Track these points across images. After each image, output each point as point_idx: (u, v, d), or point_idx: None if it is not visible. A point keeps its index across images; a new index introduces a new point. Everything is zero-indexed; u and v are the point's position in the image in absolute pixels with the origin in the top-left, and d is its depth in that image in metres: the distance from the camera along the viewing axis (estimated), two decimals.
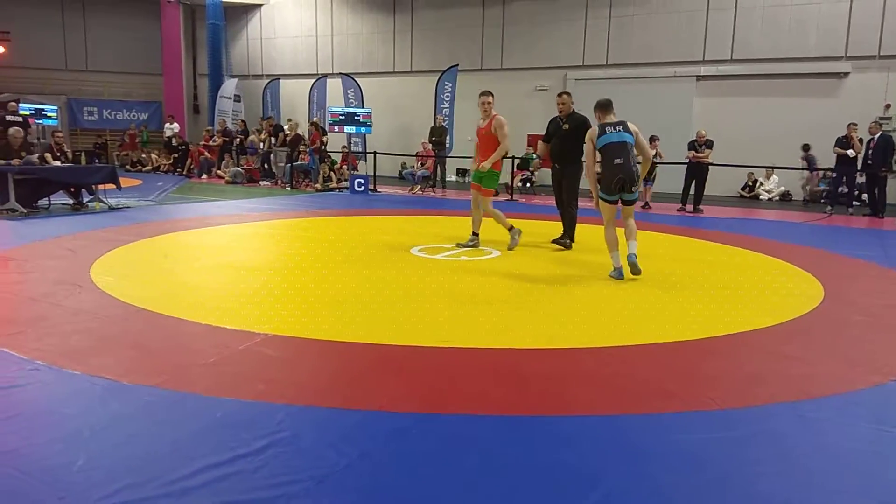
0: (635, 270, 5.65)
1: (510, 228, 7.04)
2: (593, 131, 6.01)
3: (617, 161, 5.76)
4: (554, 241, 7.41)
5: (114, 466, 2.31)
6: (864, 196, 13.38)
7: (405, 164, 18.57)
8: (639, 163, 6.09)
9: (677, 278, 5.86)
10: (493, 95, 6.98)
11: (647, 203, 12.84)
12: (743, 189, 15.98)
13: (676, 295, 5.20)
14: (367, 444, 2.52)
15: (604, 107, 6.08)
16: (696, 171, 12.23)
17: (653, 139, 12.79)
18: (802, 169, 14.54)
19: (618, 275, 5.73)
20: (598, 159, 5.98)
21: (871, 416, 2.90)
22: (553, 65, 17.82)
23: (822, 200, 14.15)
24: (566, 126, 7.31)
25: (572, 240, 7.42)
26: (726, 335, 4.13)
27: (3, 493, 2.13)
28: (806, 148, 14.29)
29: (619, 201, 5.89)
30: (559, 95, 7.50)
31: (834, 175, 12.80)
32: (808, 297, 5.20)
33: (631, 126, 5.96)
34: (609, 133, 5.86)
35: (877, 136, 11.97)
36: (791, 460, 2.50)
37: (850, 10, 14.56)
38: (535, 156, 8.47)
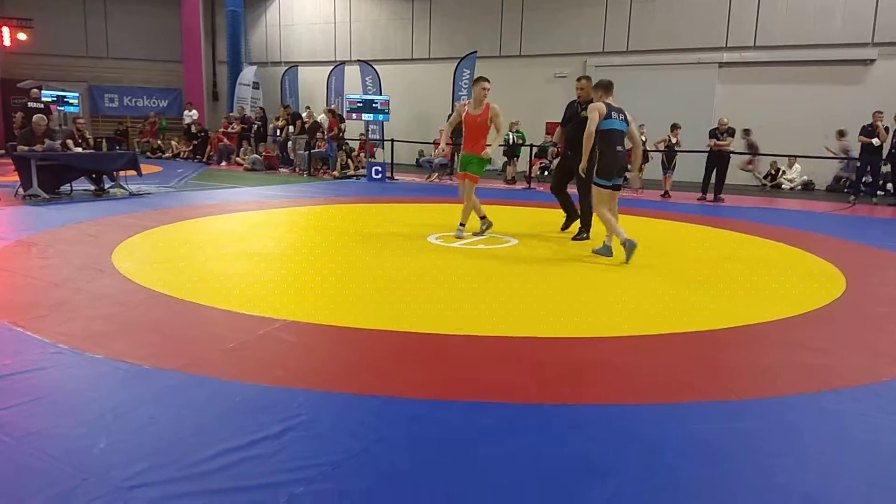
0: (631, 255, 5.77)
1: (482, 217, 7.05)
2: (601, 106, 6.00)
3: (619, 149, 5.95)
4: (574, 239, 7.14)
5: (135, 449, 2.34)
6: (889, 185, 13.17)
7: (423, 151, 18.56)
8: (629, 149, 6.31)
9: (697, 268, 5.81)
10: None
11: (666, 192, 12.73)
12: (765, 178, 15.78)
13: (695, 285, 5.16)
14: (383, 430, 2.54)
15: (606, 87, 6.15)
16: (718, 160, 12.10)
17: (674, 127, 12.67)
18: (743, 153, 14.32)
19: (607, 252, 5.88)
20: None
21: (891, 408, 2.87)
22: (573, 51, 17.66)
23: (846, 190, 13.94)
24: (584, 113, 6.78)
25: (588, 229, 7.27)
26: (745, 326, 4.09)
27: (26, 474, 2.17)
28: (842, 134, 13.95)
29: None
30: (578, 80, 7.35)
31: (858, 164, 12.59)
32: (830, 287, 5.14)
33: (628, 115, 6.12)
34: (614, 119, 5.98)
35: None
36: (809, 452, 2.48)
37: None
38: (552, 143, 8.43)
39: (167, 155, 19.99)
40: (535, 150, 14.50)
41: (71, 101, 15.44)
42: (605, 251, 6.00)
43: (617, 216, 6.16)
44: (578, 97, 7.28)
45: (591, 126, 6.02)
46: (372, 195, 11.39)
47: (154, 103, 23.39)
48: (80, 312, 3.95)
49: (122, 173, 10.14)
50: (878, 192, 13.01)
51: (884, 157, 12.09)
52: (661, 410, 2.82)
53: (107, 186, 10.11)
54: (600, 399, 2.95)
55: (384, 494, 2.12)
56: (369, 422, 2.61)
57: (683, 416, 2.75)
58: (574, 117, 7.24)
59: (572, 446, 2.47)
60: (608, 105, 6.01)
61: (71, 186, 9.84)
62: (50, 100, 14.88)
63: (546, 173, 15.35)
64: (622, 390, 3.07)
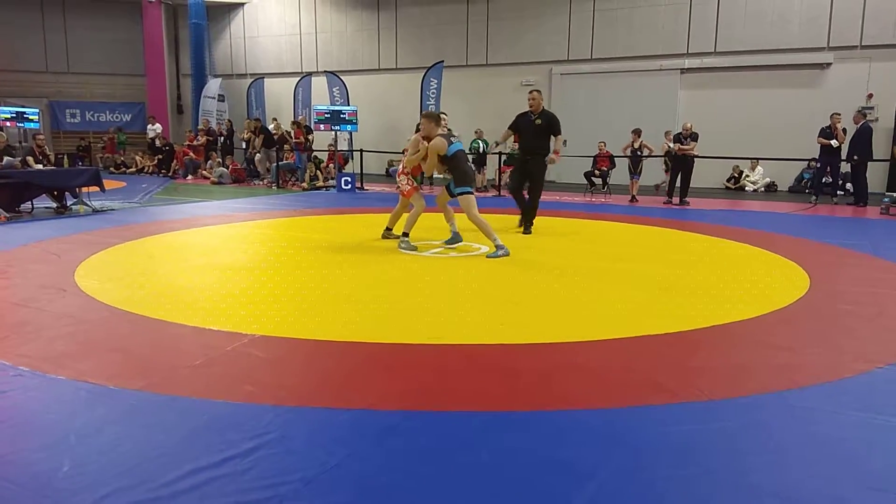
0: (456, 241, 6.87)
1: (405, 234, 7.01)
2: (441, 142, 6.66)
3: (469, 164, 7.05)
4: (525, 232, 8.04)
5: (100, 471, 2.28)
6: (849, 185, 13.50)
7: (392, 161, 18.53)
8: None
9: (665, 271, 5.88)
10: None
11: (633, 196, 12.89)
12: (728, 181, 16.08)
13: (664, 287, 5.21)
14: (356, 444, 2.51)
15: (437, 118, 6.91)
16: (682, 164, 12.28)
17: (636, 132, 12.90)
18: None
19: (505, 252, 6.41)
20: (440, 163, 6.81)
21: (857, 405, 2.92)
22: (538, 59, 17.83)
23: (808, 191, 14.26)
24: (539, 121, 8.05)
25: (531, 225, 8.13)
26: (713, 326, 4.14)
27: None
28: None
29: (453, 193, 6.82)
30: (530, 92, 8.23)
31: (818, 165, 12.89)
32: (795, 286, 5.23)
33: (453, 131, 7.04)
34: (455, 143, 6.78)
35: (859, 126, 12.08)
36: (780, 450, 2.51)
37: (831, 1, 14.66)
38: (495, 141, 9.27)
39: (131, 170, 19.66)
40: (503, 157, 14.56)
41: (31, 117, 15.12)
42: (503, 252, 6.40)
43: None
44: (531, 107, 8.17)
45: (426, 156, 6.77)
46: (341, 206, 11.33)
47: (117, 118, 23.01)
48: (42, 333, 3.85)
49: (84, 190, 9.93)
50: (838, 192, 13.33)
51: (843, 157, 12.40)
52: (635, 413, 2.83)
53: (69, 203, 9.89)
54: (575, 404, 2.95)
55: None
56: (342, 436, 2.57)
57: (657, 418, 2.77)
58: (528, 127, 8.15)
59: (548, 452, 2.46)
60: (443, 135, 6.73)
61: (32, 204, 9.61)
62: (9, 116, 14.56)
63: None
64: (596, 394, 3.08)
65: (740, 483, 2.26)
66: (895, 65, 14.21)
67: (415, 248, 6.75)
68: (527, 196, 8.29)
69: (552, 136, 8.15)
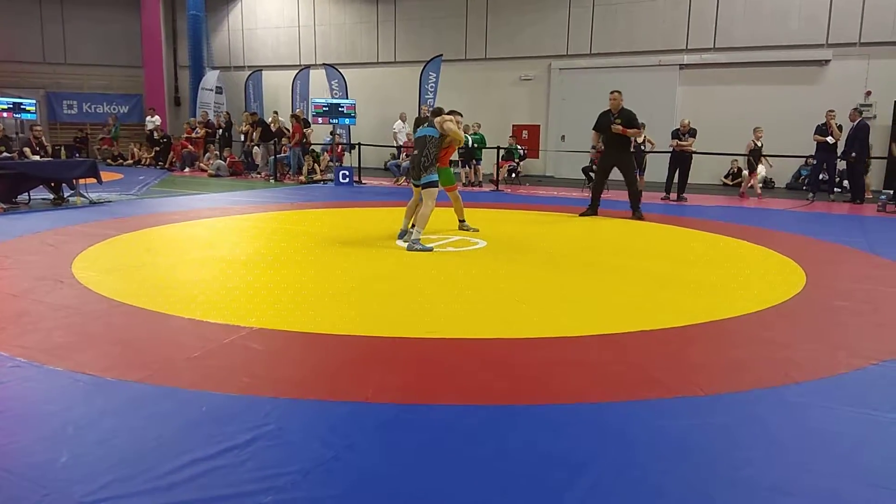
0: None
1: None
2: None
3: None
4: (634, 218, 9.07)
5: (98, 462, 2.28)
6: (846, 182, 13.50)
7: (394, 154, 18.49)
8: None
9: (661, 266, 5.89)
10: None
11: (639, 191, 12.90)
12: (726, 177, 16.07)
13: (660, 282, 5.23)
14: (353, 436, 2.52)
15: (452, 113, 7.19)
16: (680, 160, 12.28)
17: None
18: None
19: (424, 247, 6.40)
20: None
21: (853, 400, 2.94)
22: (537, 54, 17.78)
23: (805, 188, 14.27)
24: (619, 120, 8.92)
25: (639, 210, 9.16)
26: (710, 322, 4.16)
27: None
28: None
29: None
30: (612, 93, 9.09)
31: (815, 162, 12.90)
32: (791, 282, 5.25)
33: (437, 121, 6.94)
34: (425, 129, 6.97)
35: (856, 123, 12.06)
36: (776, 445, 2.52)
37: None
38: (592, 146, 10.35)
39: (129, 162, 19.59)
40: (502, 152, 14.55)
41: (27, 108, 15.05)
42: (420, 247, 6.39)
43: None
44: (611, 108, 9.02)
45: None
46: (339, 199, 11.32)
47: (114, 109, 22.89)
48: (40, 324, 3.85)
49: (81, 181, 9.91)
50: (835, 189, 13.34)
51: (839, 155, 12.39)
52: (631, 407, 2.85)
53: (66, 195, 9.87)
54: (572, 398, 2.96)
55: (356, 501, 2.10)
56: (340, 428, 2.58)
57: (653, 413, 2.78)
58: (607, 124, 9.04)
59: (545, 445, 2.48)
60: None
61: (29, 195, 9.57)
62: (5, 107, 14.50)
63: (514, 175, 15.40)
64: (593, 389, 3.09)
65: (736, 477, 2.28)
66: (894, 62, 14.20)
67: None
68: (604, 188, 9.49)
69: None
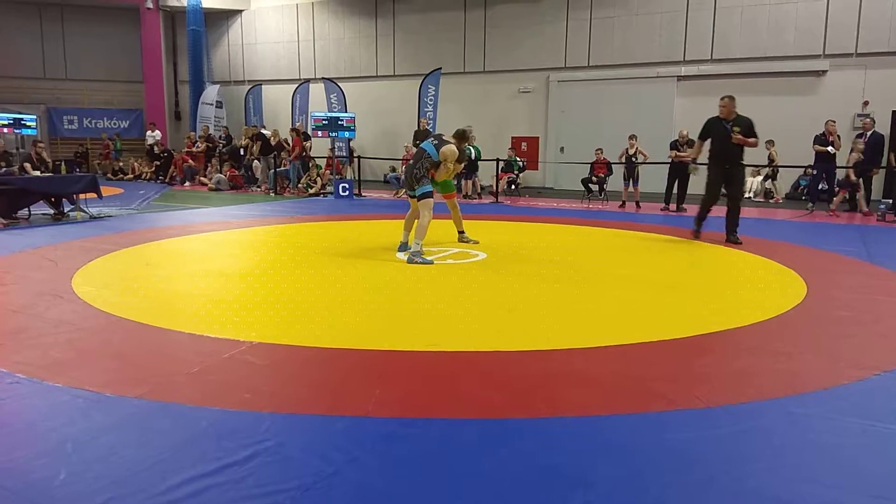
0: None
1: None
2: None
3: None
4: (729, 242, 7.93)
5: (97, 479, 2.27)
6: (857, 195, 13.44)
7: (394, 167, 18.53)
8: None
9: (662, 277, 5.88)
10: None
11: (623, 202, 12.94)
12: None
13: (662, 294, 5.22)
14: (353, 451, 2.50)
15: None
16: (679, 171, 12.30)
17: (630, 137, 12.94)
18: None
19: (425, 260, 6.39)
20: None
21: (855, 411, 2.92)
22: (535, 67, 17.86)
23: (804, 198, 14.26)
24: (737, 129, 7.89)
25: (735, 233, 8.04)
26: (711, 333, 4.14)
27: None
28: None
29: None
30: (722, 99, 8.11)
31: (814, 172, 12.91)
32: (792, 293, 5.24)
33: (446, 138, 6.98)
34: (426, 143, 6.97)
35: (869, 134, 11.93)
36: (779, 457, 2.51)
37: (826, 9, 14.72)
38: (692, 159, 9.16)
39: (129, 176, 19.64)
40: (501, 164, 14.57)
41: (28, 123, 15.10)
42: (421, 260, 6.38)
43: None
44: (722, 114, 8.04)
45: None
46: (339, 213, 11.33)
47: (115, 124, 22.97)
48: (39, 340, 3.84)
49: (82, 196, 9.92)
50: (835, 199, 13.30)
51: (839, 164, 12.37)
52: (632, 420, 2.83)
53: (66, 210, 9.88)
54: (573, 411, 2.95)
55: None
56: (340, 443, 2.57)
57: (655, 425, 2.77)
58: (726, 134, 7.96)
59: (546, 459, 2.46)
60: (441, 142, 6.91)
61: (29, 211, 9.59)
62: (6, 122, 14.54)
63: (514, 187, 15.41)
64: (594, 401, 3.07)
65: (739, 489, 2.26)
66: (891, 72, 14.26)
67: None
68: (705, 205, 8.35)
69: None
